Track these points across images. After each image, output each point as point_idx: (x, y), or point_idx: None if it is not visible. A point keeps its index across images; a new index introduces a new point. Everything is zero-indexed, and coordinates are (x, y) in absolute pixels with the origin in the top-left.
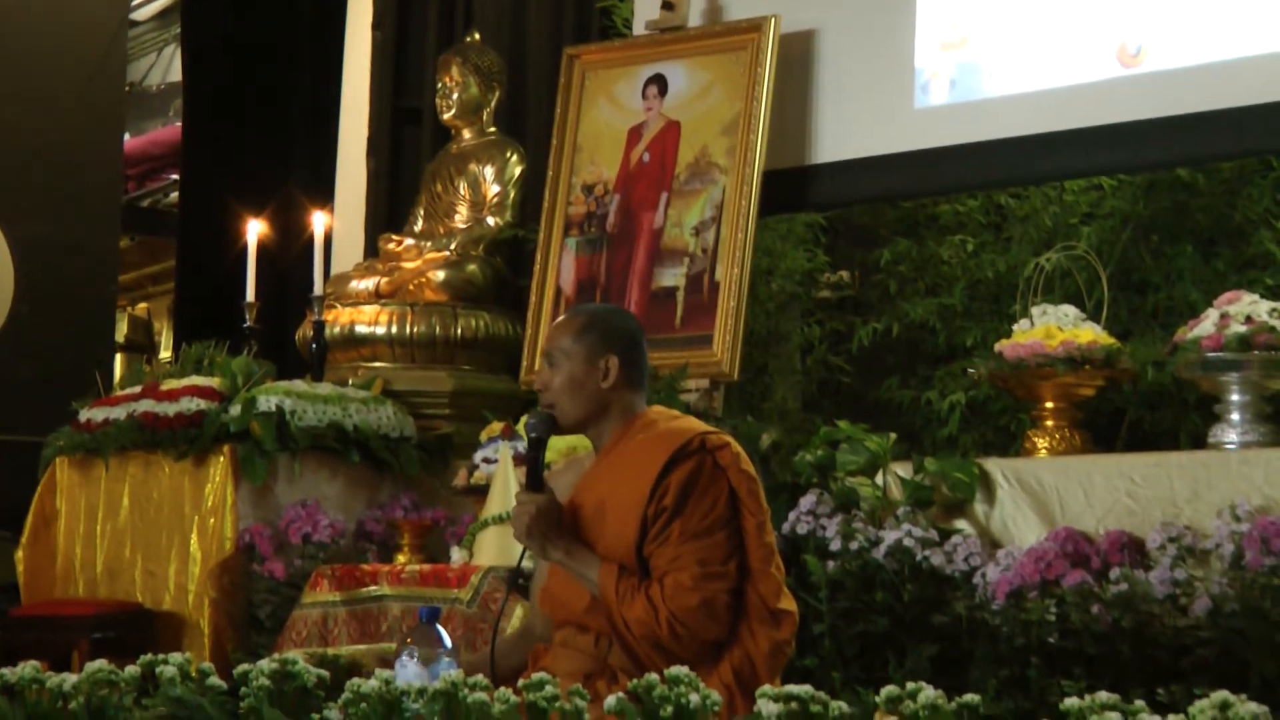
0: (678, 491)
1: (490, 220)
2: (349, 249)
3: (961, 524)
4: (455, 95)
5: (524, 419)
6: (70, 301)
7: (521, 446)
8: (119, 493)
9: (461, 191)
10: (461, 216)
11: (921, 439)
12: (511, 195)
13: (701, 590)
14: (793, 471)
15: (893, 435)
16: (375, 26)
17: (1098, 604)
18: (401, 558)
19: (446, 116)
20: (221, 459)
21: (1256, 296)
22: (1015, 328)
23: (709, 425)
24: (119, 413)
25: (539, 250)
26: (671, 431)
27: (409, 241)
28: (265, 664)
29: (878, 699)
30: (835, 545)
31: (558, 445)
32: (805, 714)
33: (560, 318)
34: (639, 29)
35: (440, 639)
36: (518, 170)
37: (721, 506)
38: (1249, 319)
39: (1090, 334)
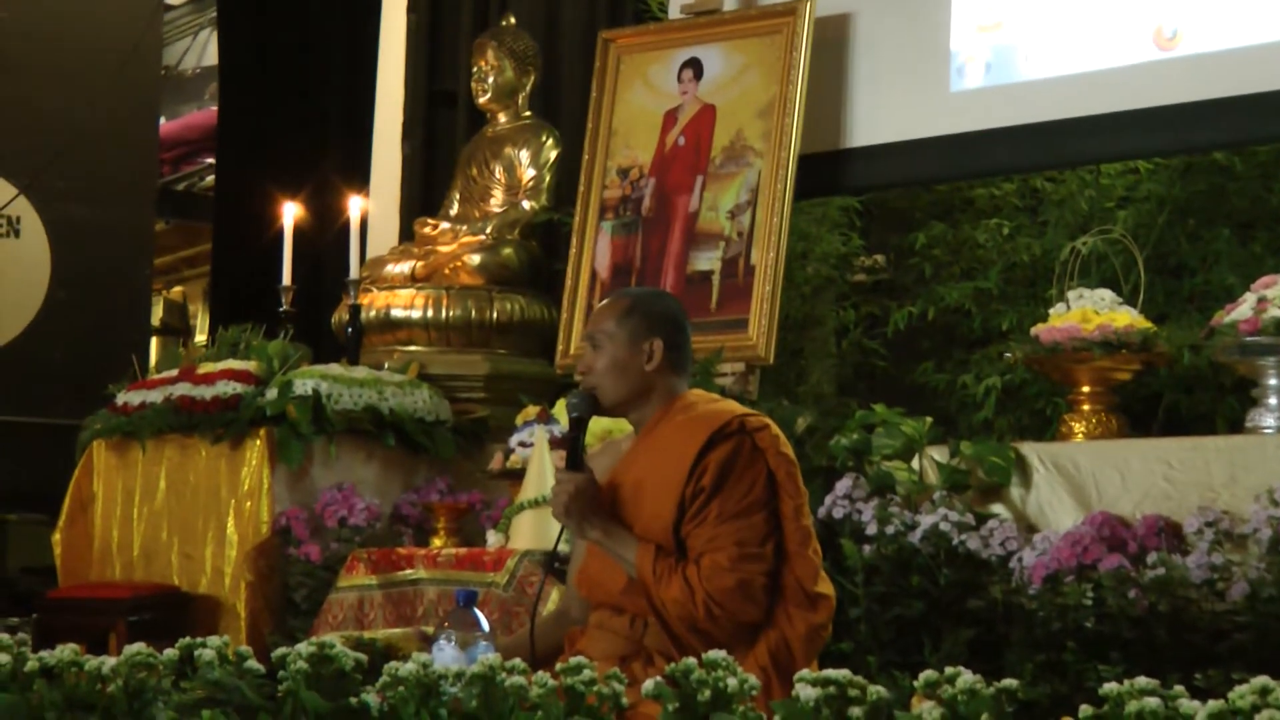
0: (716, 472)
1: (525, 204)
2: (384, 233)
3: (998, 508)
4: (490, 79)
5: (565, 399)
6: (106, 285)
7: (557, 430)
8: (155, 476)
9: (497, 175)
10: (497, 200)
11: (957, 423)
12: (546, 179)
13: (739, 571)
14: (828, 455)
15: (928, 419)
16: (410, 9)
17: (1134, 588)
18: (437, 541)
19: (482, 100)
20: (258, 442)
21: None
22: (1051, 311)
23: (748, 408)
24: (155, 396)
25: (574, 234)
26: (710, 413)
27: (444, 225)
28: (303, 647)
29: (915, 683)
30: (871, 529)
31: (593, 429)
32: (843, 698)
33: (604, 300)
34: (674, 12)
35: (478, 622)
36: (553, 154)
37: (759, 488)
38: None
39: (1126, 318)
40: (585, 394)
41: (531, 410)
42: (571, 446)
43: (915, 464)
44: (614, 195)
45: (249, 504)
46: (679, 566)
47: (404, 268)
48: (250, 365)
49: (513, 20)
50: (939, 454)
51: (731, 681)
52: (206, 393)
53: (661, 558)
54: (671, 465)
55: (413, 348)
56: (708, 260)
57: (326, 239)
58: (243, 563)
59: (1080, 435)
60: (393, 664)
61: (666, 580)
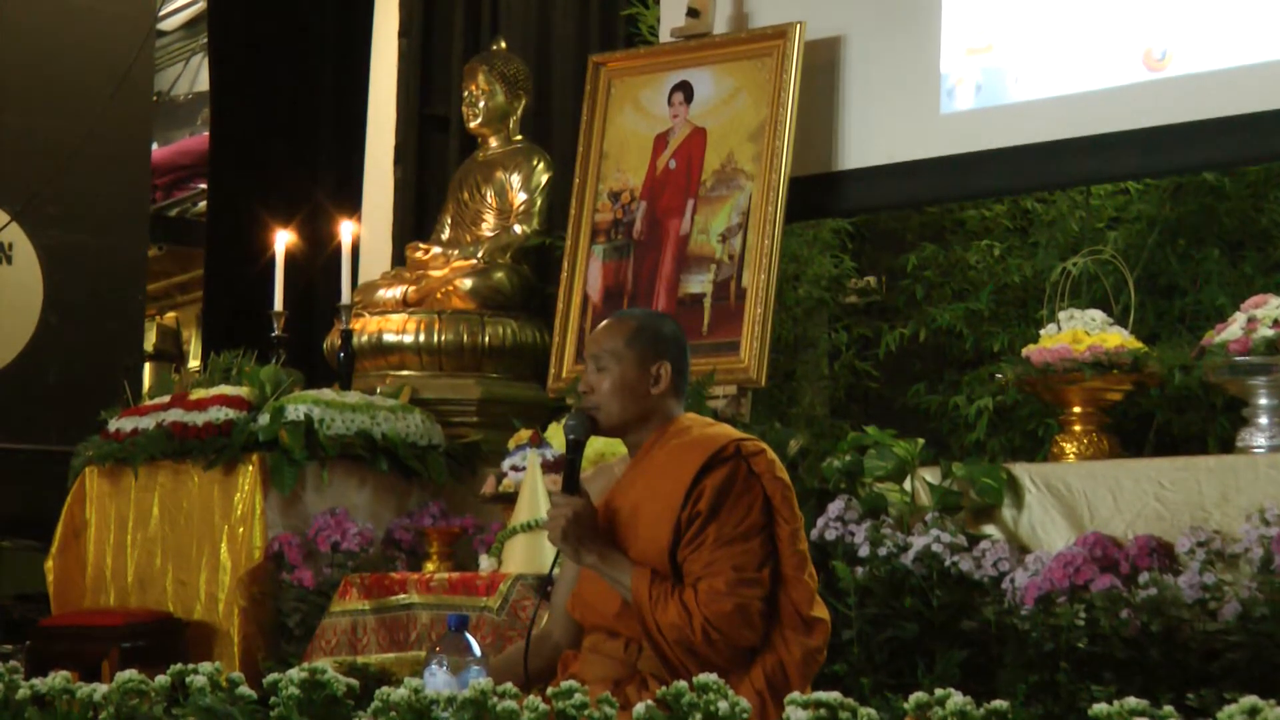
0: (712, 496)
1: (517, 228)
2: (376, 257)
3: (990, 529)
4: (481, 103)
5: (564, 420)
6: (98, 311)
7: (549, 453)
8: (148, 502)
9: (488, 199)
10: (488, 224)
11: (949, 444)
12: (538, 203)
13: (736, 596)
14: (821, 477)
15: (920, 441)
16: (402, 34)
17: (1127, 609)
18: (430, 566)
19: (473, 124)
20: (250, 468)
21: None
22: (1042, 332)
23: (743, 432)
24: (148, 422)
25: (566, 258)
26: (706, 437)
27: (436, 250)
28: (295, 673)
29: (906, 705)
30: (864, 551)
31: (585, 451)
32: None
33: (607, 321)
34: (664, 36)
35: (469, 647)
36: (544, 178)
37: (756, 513)
38: (1276, 322)
39: (1117, 338)
40: (583, 415)
41: (524, 434)
42: (568, 469)
43: (907, 485)
44: (605, 219)
45: (242, 530)
46: (676, 591)
47: (396, 292)
48: (242, 391)
49: (504, 44)
50: (931, 475)
51: (723, 705)
52: (199, 419)
53: (658, 582)
54: (667, 489)
55: (405, 372)
56: (699, 283)
57: (318, 264)
58: (236, 588)
59: (1072, 456)
60: (384, 689)
61: (663, 605)
